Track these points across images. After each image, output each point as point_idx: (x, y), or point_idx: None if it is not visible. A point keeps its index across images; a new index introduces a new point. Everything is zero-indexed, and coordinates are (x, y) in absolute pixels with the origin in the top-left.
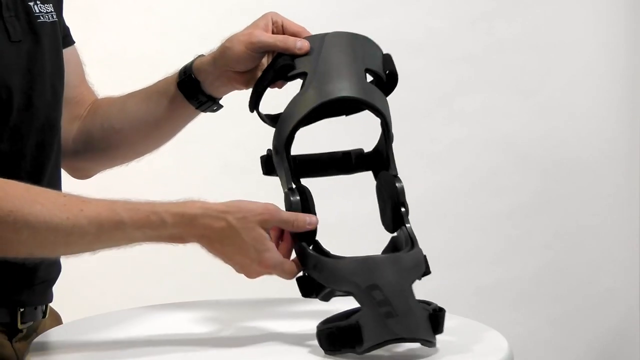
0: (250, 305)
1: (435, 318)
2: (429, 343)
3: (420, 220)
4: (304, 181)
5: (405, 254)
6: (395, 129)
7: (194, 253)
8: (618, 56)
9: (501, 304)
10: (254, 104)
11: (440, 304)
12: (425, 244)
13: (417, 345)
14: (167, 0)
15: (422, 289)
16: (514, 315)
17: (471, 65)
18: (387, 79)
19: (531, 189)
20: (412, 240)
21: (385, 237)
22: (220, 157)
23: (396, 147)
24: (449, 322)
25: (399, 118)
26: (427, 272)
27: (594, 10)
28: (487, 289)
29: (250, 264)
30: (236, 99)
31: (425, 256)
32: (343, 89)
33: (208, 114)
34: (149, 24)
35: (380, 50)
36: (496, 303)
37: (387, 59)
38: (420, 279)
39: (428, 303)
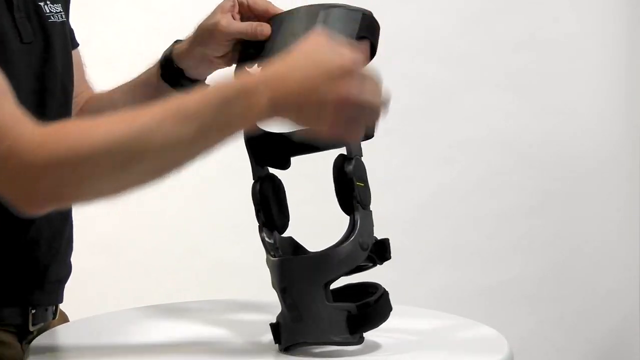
0: (250, 306)
1: (354, 319)
2: (346, 344)
3: (420, 220)
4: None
5: (323, 251)
6: (395, 129)
7: (194, 254)
8: (618, 56)
9: (501, 304)
10: None
11: (440, 304)
12: (425, 243)
13: (416, 342)
14: None
15: (423, 289)
16: (514, 315)
17: (471, 65)
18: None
19: (531, 189)
20: (351, 230)
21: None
22: (220, 157)
23: (396, 147)
24: (449, 322)
25: (399, 118)
26: (387, 257)
27: (594, 10)
28: (487, 289)
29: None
30: None
31: (386, 240)
32: None
33: None
34: (149, 23)
35: (359, 15)
36: (496, 303)
37: (363, 23)
38: (365, 267)
39: (375, 286)
